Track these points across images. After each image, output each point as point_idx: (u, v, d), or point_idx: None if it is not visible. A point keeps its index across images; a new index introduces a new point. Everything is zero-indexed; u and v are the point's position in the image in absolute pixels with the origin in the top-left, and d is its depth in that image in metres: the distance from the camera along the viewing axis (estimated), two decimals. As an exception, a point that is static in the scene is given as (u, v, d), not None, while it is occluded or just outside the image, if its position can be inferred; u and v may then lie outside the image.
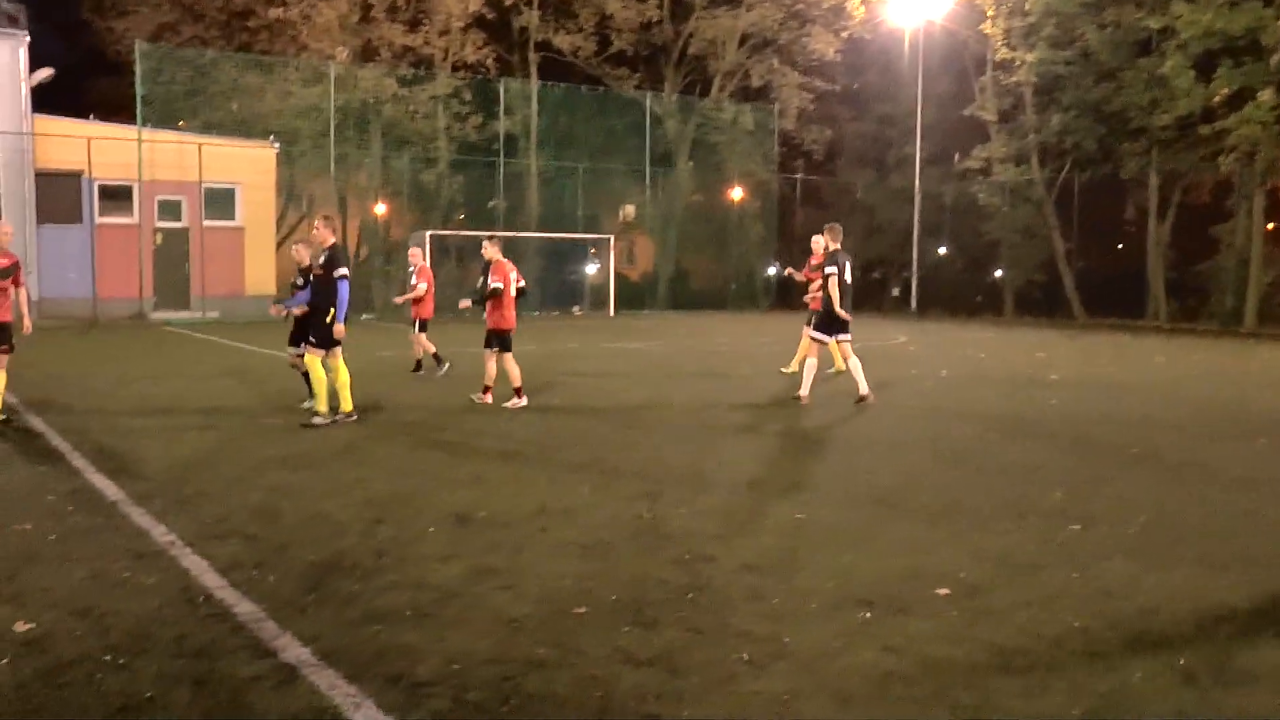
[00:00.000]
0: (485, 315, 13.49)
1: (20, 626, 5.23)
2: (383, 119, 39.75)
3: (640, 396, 14.55)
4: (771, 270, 47.80)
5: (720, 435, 11.47)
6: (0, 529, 7.11)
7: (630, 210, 45.53)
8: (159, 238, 33.24)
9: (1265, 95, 33.14)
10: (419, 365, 16.89)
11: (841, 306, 13.74)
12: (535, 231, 40.55)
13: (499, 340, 13.35)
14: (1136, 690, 4.62)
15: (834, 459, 10.06)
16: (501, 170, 40.51)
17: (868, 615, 5.52)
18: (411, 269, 17.81)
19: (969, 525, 7.49)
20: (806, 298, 16.53)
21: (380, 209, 41.51)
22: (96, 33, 45.57)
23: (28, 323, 11.90)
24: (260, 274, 34.83)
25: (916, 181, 43.98)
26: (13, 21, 30.87)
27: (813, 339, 14.32)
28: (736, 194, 45.65)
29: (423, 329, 16.79)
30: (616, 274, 40.71)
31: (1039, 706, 4.43)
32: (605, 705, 4.38)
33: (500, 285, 13.26)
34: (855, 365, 13.88)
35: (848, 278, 13.87)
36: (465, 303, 14.29)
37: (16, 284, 11.65)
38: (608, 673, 4.70)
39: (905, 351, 22.98)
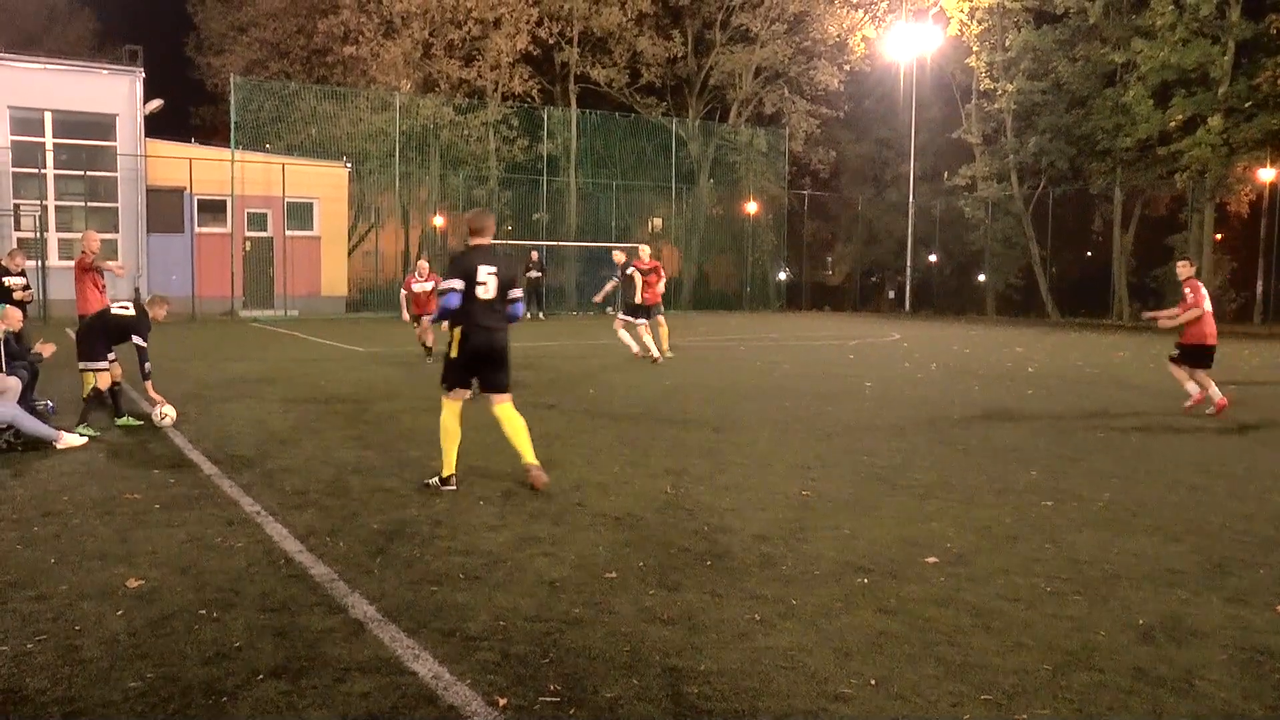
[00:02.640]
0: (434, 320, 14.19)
1: (132, 582, 5.29)
2: (441, 142, 39.90)
3: (666, 385, 14.52)
4: (782, 275, 47.66)
5: (736, 420, 11.43)
6: (114, 498, 7.18)
7: (658, 222, 45.49)
8: (248, 245, 33.42)
9: (1214, 121, 33.11)
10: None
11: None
12: (574, 241, 40.58)
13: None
14: (1100, 647, 4.58)
15: (839, 441, 10.01)
16: (545, 187, 40.49)
17: (865, 580, 5.49)
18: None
19: (956, 501, 7.44)
20: (646, 294, 18.21)
21: (438, 221, 41.65)
22: (198, 68, 46.30)
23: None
24: (334, 277, 35.08)
25: (910, 196, 43.80)
26: (132, 59, 31.22)
27: (631, 320, 17.87)
28: (751, 208, 45.48)
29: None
30: (645, 278, 40.61)
31: (1014, 661, 4.40)
32: (633, 658, 4.37)
33: None
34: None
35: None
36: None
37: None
38: (635, 630, 4.70)
39: (900, 348, 22.84)
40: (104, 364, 10.29)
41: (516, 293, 7.75)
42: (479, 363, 7.66)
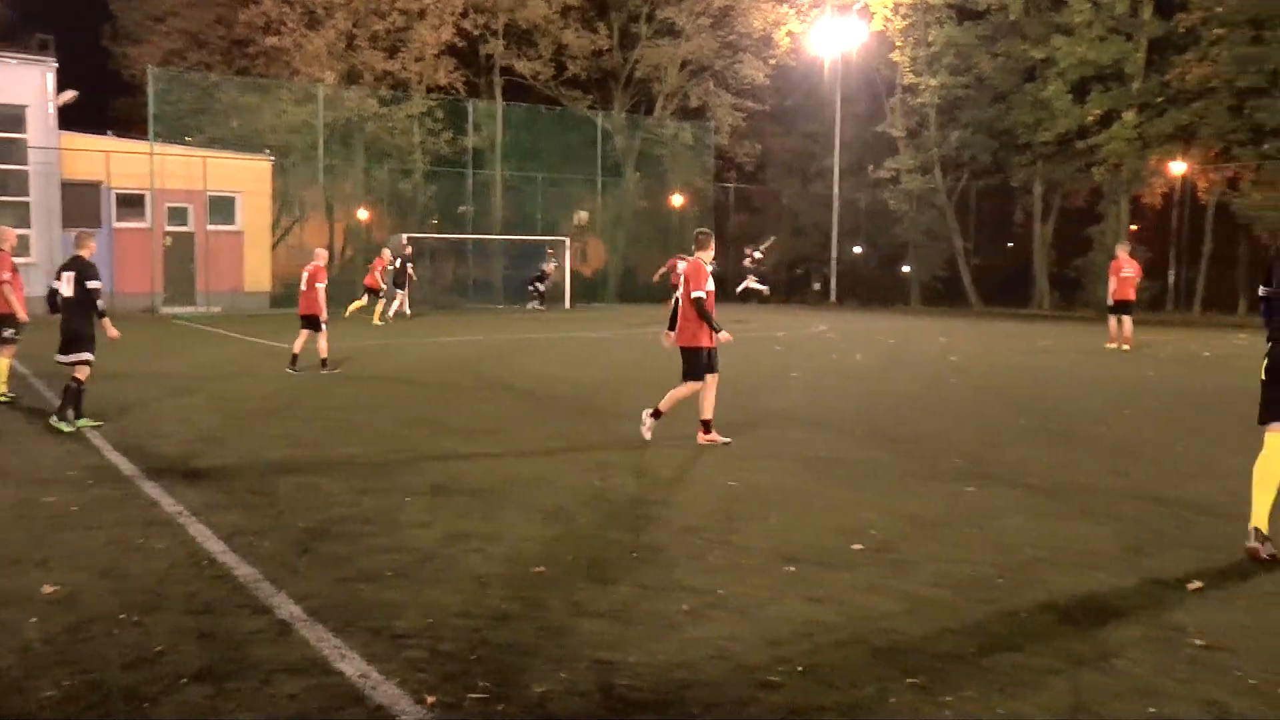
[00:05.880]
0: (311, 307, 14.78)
1: (47, 589, 5.14)
2: (365, 135, 39.35)
3: (597, 378, 14.51)
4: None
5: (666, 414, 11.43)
6: (29, 501, 6.97)
7: (584, 215, 45.38)
8: (168, 240, 32.68)
9: (1129, 116, 34.10)
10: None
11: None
12: (500, 234, 40.36)
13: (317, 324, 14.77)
14: (1025, 628, 4.68)
15: (766, 432, 10.09)
16: (470, 180, 40.24)
17: (794, 569, 5.54)
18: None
19: (884, 489, 7.54)
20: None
21: (363, 215, 41.13)
22: (114, 58, 45.11)
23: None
24: (257, 273, 34.46)
25: (835, 189, 44.22)
26: (44, 49, 30.33)
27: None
28: (677, 201, 45.58)
29: None
30: (572, 271, 40.55)
31: (942, 645, 4.46)
32: (563, 653, 4.35)
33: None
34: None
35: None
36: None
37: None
38: (565, 624, 4.68)
39: (826, 339, 23.08)
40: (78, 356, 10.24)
41: None
42: None
